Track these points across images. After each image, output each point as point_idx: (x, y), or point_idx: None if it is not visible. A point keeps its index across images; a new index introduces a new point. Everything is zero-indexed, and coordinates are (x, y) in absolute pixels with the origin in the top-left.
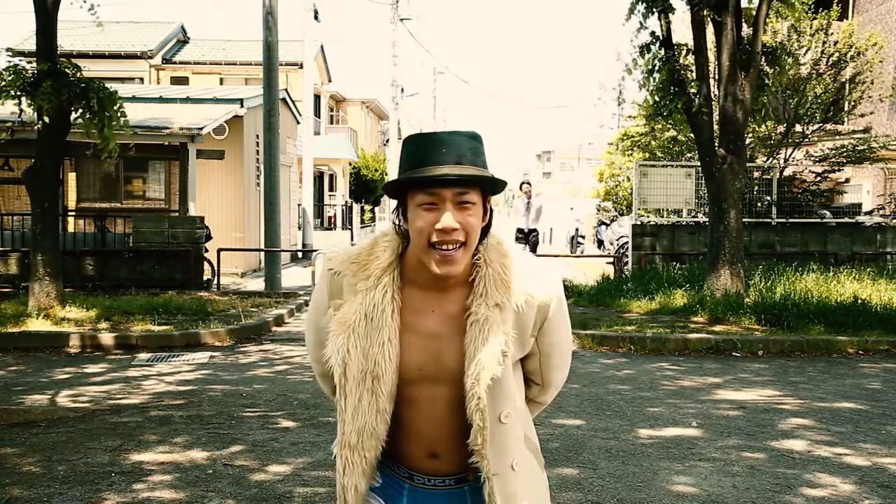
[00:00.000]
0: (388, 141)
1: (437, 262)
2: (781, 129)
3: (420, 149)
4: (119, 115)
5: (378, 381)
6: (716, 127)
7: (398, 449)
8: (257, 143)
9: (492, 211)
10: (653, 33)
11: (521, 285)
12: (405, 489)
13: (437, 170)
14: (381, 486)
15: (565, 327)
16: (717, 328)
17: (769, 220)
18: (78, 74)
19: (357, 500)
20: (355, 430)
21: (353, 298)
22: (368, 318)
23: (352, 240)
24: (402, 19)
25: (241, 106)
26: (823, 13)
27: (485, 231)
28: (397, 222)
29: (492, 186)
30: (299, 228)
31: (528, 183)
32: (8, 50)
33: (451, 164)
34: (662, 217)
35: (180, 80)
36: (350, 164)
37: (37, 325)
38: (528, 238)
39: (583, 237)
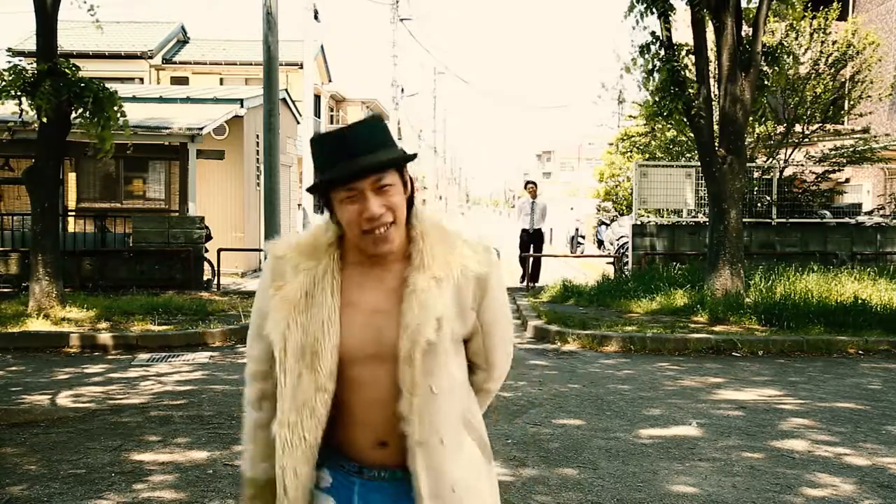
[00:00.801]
0: None
1: (373, 244)
2: (781, 129)
3: (324, 150)
4: (119, 115)
5: (317, 357)
6: (716, 127)
7: (347, 439)
8: (257, 143)
9: (412, 181)
10: (653, 33)
11: (458, 258)
12: (356, 485)
13: (344, 167)
14: (332, 487)
15: (504, 303)
16: (718, 328)
17: (769, 220)
18: (78, 74)
19: (296, 487)
20: (294, 407)
21: (295, 278)
22: (309, 296)
23: None
24: (402, 19)
25: (241, 106)
26: (823, 11)
27: (410, 202)
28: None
29: (410, 158)
30: (304, 228)
31: (533, 182)
32: (8, 50)
33: (356, 157)
34: (662, 217)
35: (180, 80)
36: None
37: (37, 325)
38: (533, 238)
39: (583, 237)
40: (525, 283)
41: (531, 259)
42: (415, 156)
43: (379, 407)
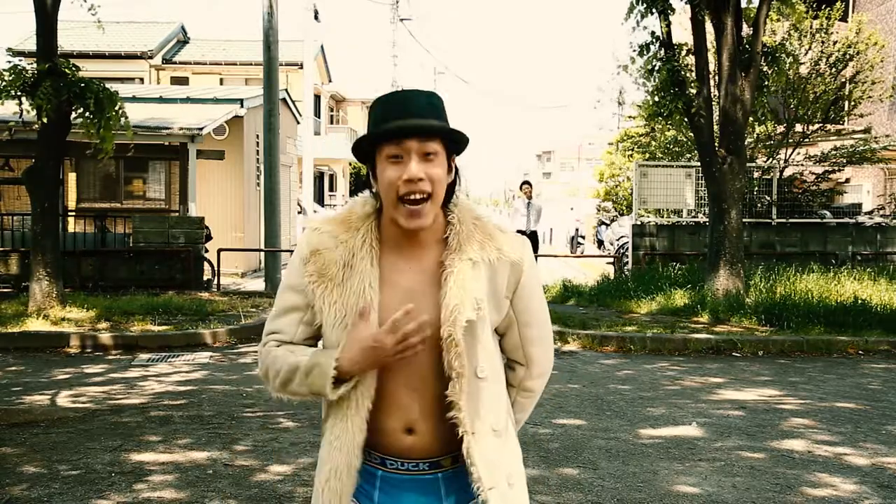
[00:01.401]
0: None
1: (406, 216)
2: (781, 129)
3: (385, 108)
4: (120, 115)
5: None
6: (716, 127)
7: (375, 426)
8: (257, 143)
9: (458, 169)
10: (652, 33)
11: (494, 242)
12: (378, 477)
13: (400, 123)
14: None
15: (539, 296)
16: (718, 328)
17: (769, 220)
18: (78, 74)
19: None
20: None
21: (334, 250)
22: (347, 266)
23: None
24: (402, 19)
25: (241, 106)
26: (825, 11)
27: (451, 189)
28: (373, 186)
29: (455, 144)
30: (303, 229)
31: (529, 183)
32: (8, 50)
33: (413, 118)
34: (662, 217)
35: (180, 81)
36: (350, 165)
37: (37, 325)
38: (530, 240)
39: (583, 237)
40: None
41: None
42: (467, 140)
43: (412, 391)
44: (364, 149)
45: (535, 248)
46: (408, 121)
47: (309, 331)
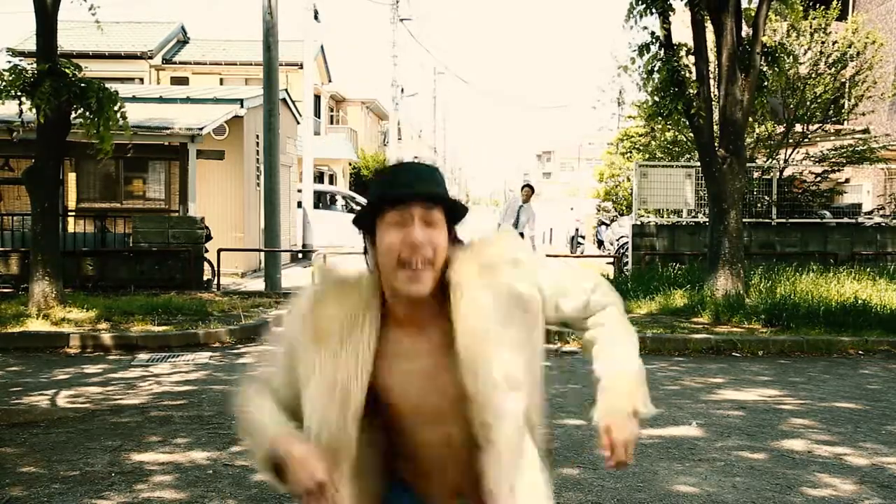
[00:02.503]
0: (387, 141)
1: (406, 281)
2: (781, 129)
3: (387, 177)
4: (120, 115)
5: (347, 395)
6: (715, 127)
7: (422, 488)
8: (257, 143)
9: (458, 240)
10: (652, 33)
11: (502, 279)
12: None
13: (408, 189)
14: None
15: (553, 268)
16: (718, 328)
17: (769, 221)
18: (78, 74)
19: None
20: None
21: (334, 314)
22: (345, 337)
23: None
24: (402, 19)
25: (241, 106)
26: (822, 10)
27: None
28: (369, 262)
29: (454, 214)
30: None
31: (531, 187)
32: (8, 50)
33: (414, 184)
34: (662, 217)
35: (180, 81)
36: (350, 165)
37: (37, 325)
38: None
39: (583, 237)
40: None
41: None
42: (466, 210)
43: (450, 463)
44: (366, 220)
45: None
46: (411, 186)
47: (291, 392)
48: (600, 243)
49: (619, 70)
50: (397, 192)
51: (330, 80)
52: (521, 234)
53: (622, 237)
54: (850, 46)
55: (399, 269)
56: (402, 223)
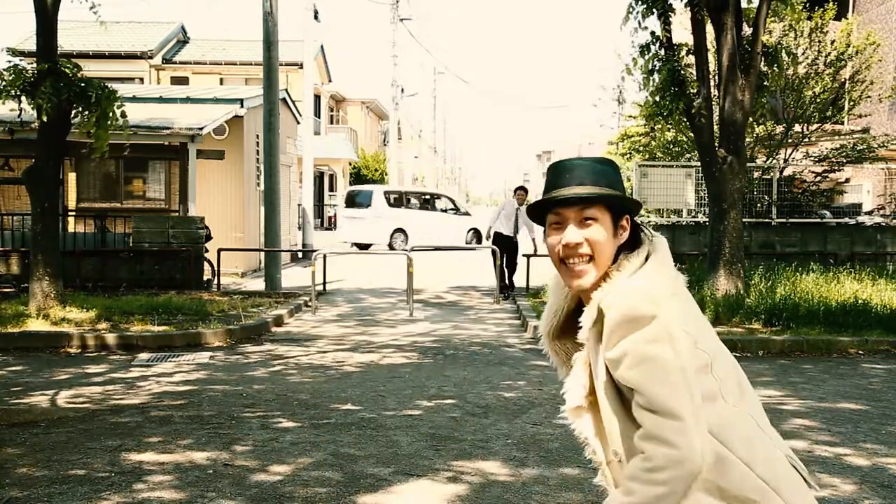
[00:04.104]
0: (387, 141)
1: (567, 277)
2: (781, 129)
3: (550, 175)
4: (120, 114)
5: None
6: (716, 127)
7: None
8: (257, 143)
9: (635, 227)
10: (653, 33)
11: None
12: None
13: (557, 193)
14: None
15: (648, 371)
16: (718, 328)
17: (769, 220)
18: (79, 74)
19: None
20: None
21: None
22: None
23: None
24: (402, 19)
25: (241, 106)
26: (819, 11)
27: (630, 244)
28: None
29: (624, 204)
30: (299, 228)
31: (524, 189)
32: (8, 50)
33: (572, 186)
34: (663, 217)
35: (180, 80)
36: (350, 164)
37: (37, 325)
38: (508, 245)
39: None
40: (506, 293)
41: (506, 268)
42: (634, 204)
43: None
44: (533, 211)
45: (515, 256)
46: (561, 191)
47: None
48: None
49: (622, 73)
50: (547, 198)
51: (330, 80)
52: (516, 241)
53: None
54: (847, 46)
55: (561, 266)
56: (559, 225)
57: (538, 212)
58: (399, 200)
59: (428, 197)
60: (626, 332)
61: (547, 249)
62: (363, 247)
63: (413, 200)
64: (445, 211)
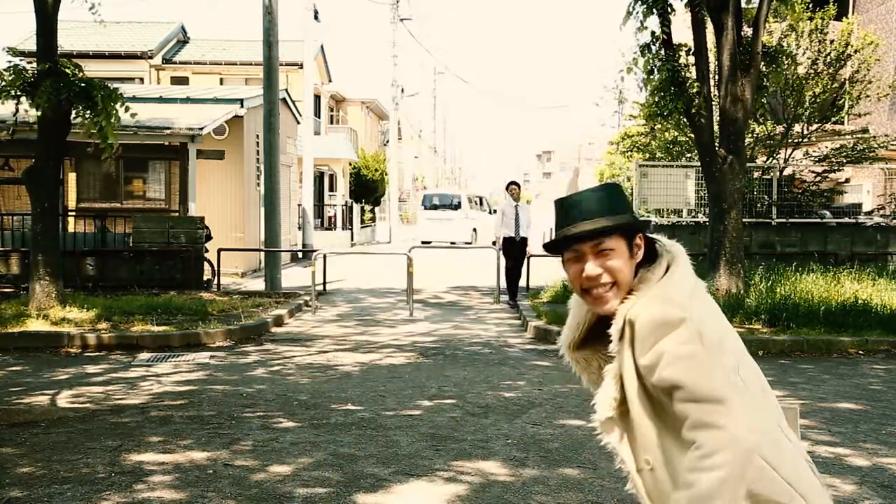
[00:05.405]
0: (388, 141)
1: (591, 304)
2: (781, 129)
3: (557, 214)
4: (124, 110)
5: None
6: (716, 127)
7: None
8: (257, 143)
9: (648, 243)
10: (653, 33)
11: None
12: None
13: (565, 231)
14: None
15: (685, 366)
16: None
17: (769, 220)
18: (79, 74)
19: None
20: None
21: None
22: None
23: (351, 240)
24: (402, 19)
25: (241, 106)
26: (820, 12)
27: (643, 262)
28: None
29: (634, 225)
30: (299, 228)
31: (517, 184)
32: (8, 50)
33: (580, 222)
34: (663, 217)
35: (180, 80)
36: (350, 164)
37: (37, 325)
38: (518, 247)
39: None
40: (512, 302)
41: (513, 271)
42: (638, 224)
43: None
44: (550, 251)
45: (523, 257)
46: (571, 228)
47: None
48: None
49: (622, 73)
50: (558, 240)
51: (330, 80)
52: (525, 239)
53: None
54: (847, 46)
55: (585, 295)
56: (576, 259)
57: (554, 249)
58: (472, 204)
59: (479, 199)
60: (658, 337)
61: (569, 279)
62: (448, 245)
63: (479, 203)
64: (490, 212)
